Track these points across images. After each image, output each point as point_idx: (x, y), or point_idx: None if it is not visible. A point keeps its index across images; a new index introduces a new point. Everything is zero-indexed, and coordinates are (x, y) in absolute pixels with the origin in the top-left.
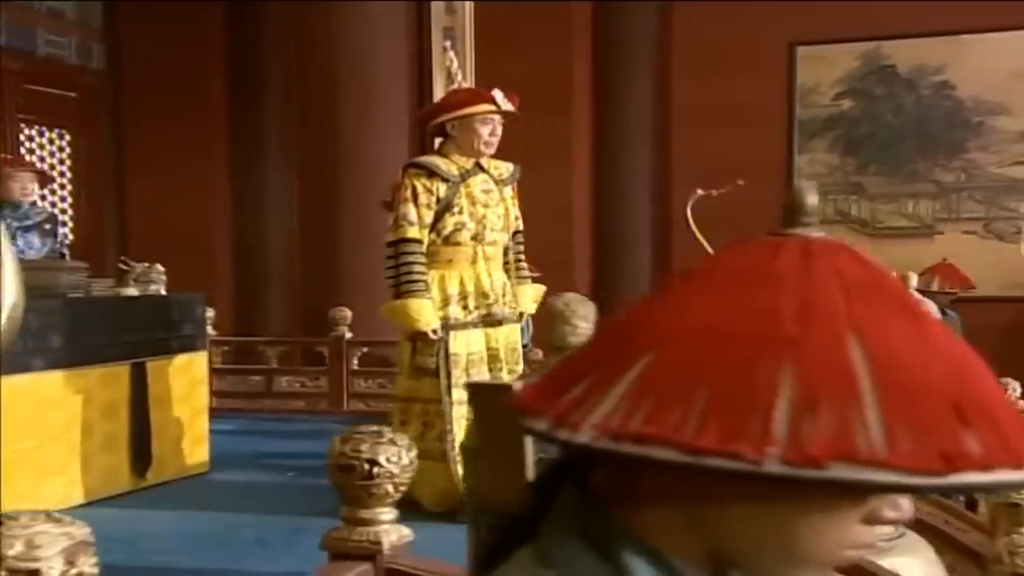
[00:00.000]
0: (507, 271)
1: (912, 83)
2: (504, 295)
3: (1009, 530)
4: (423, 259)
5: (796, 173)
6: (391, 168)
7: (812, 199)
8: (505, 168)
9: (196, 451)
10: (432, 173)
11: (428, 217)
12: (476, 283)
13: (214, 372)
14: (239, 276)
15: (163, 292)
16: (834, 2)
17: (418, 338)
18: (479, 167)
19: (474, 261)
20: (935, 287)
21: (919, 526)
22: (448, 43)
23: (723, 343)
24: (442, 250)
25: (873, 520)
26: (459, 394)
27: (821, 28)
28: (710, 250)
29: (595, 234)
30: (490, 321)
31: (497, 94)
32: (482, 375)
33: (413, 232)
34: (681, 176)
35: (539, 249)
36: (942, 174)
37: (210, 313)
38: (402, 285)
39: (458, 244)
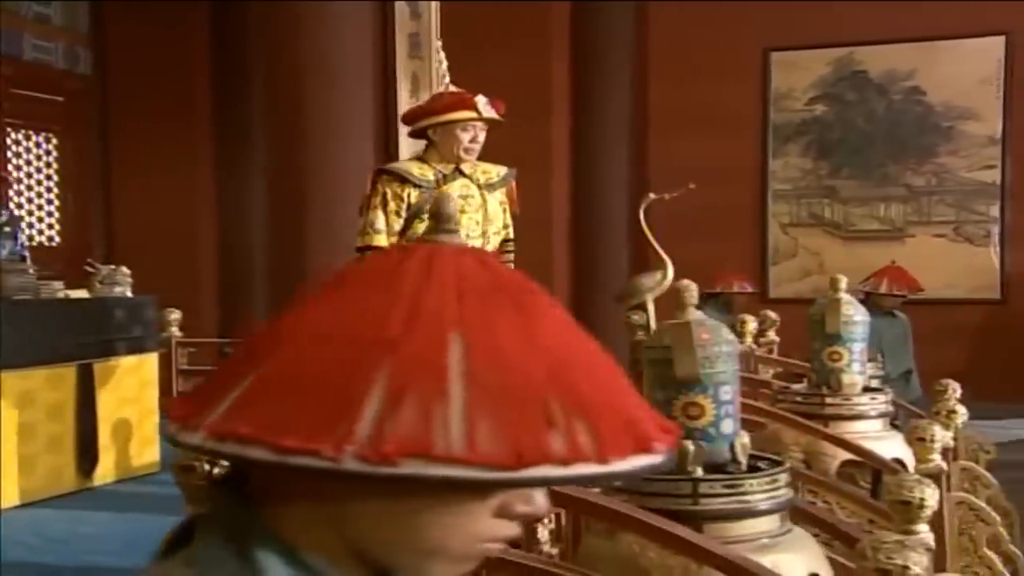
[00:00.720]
0: None
1: (883, 88)
2: None
3: (903, 528)
4: None
5: (770, 177)
6: (356, 172)
7: (451, 207)
8: (495, 172)
9: (146, 452)
10: (404, 179)
11: (397, 224)
12: None
13: (180, 373)
14: (223, 277)
15: (129, 294)
16: (807, 9)
17: None
18: (459, 171)
19: None
20: (883, 290)
21: (818, 523)
22: (439, 43)
23: (329, 346)
24: None
25: (506, 514)
26: None
27: (795, 34)
28: (663, 255)
29: (573, 237)
30: None
31: (480, 100)
32: None
33: (380, 240)
34: (658, 180)
35: (518, 252)
36: (913, 178)
37: (176, 315)
38: None
39: None
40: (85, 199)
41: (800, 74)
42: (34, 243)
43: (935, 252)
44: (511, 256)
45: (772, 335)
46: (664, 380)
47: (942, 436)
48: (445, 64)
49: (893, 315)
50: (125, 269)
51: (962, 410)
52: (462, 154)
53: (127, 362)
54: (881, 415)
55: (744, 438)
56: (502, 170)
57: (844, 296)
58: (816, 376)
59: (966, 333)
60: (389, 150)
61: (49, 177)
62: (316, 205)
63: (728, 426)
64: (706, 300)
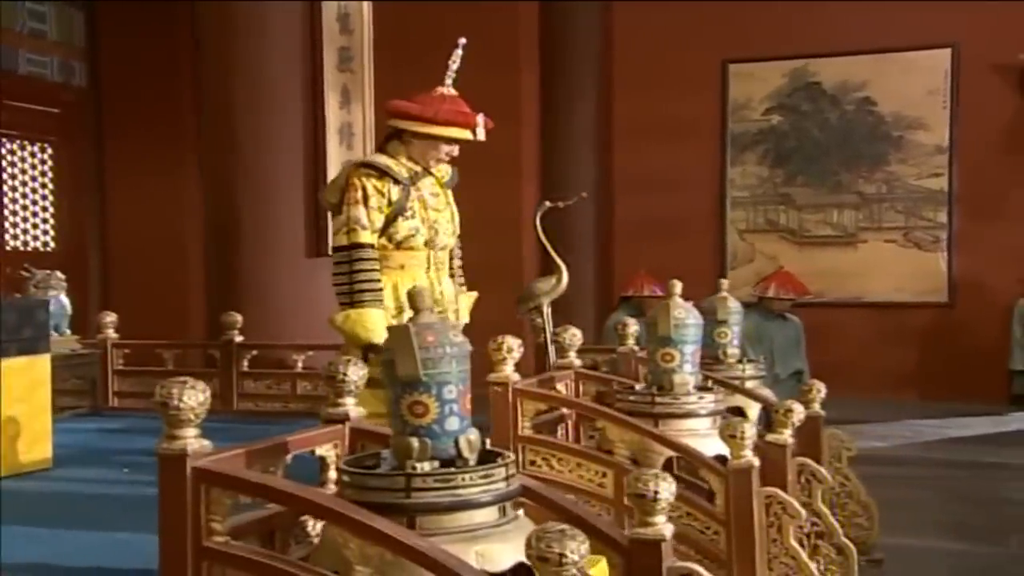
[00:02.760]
0: (451, 278)
1: (836, 99)
2: (453, 304)
3: (642, 520)
4: (377, 265)
5: (728, 184)
6: (286, 180)
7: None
8: (445, 171)
9: (36, 449)
10: (383, 174)
11: (379, 221)
12: (430, 290)
13: (116, 373)
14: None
15: (63, 299)
16: (764, 22)
17: (371, 350)
18: (426, 171)
19: (427, 268)
20: (771, 294)
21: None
22: (462, 40)
23: None
24: (394, 255)
25: None
26: None
27: (752, 47)
28: (559, 260)
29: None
30: None
31: (479, 120)
32: None
33: (366, 236)
34: (623, 187)
35: (487, 257)
36: (865, 185)
37: (111, 318)
38: (356, 294)
39: (411, 249)
40: (79, 206)
41: (757, 85)
42: (29, 248)
43: (886, 257)
44: (460, 253)
45: None
46: (391, 379)
47: (752, 433)
48: (455, 65)
49: (784, 318)
50: (60, 274)
51: (819, 410)
52: (432, 163)
53: (16, 363)
54: (711, 413)
55: (471, 435)
56: (448, 168)
57: (677, 299)
58: (651, 376)
59: (915, 336)
60: (318, 161)
61: (44, 185)
62: (247, 213)
63: (454, 423)
64: (620, 303)
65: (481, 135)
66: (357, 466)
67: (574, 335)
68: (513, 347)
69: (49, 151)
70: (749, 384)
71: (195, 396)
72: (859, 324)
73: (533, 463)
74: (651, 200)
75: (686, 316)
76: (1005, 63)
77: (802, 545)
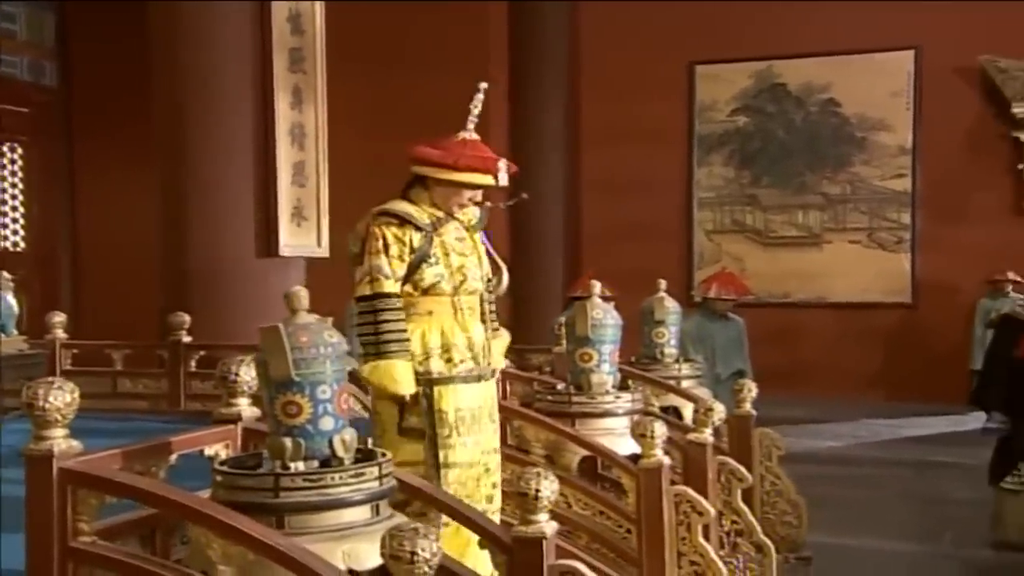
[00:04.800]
0: (483, 323)
1: (801, 101)
2: (484, 350)
3: (523, 519)
4: (402, 315)
5: (695, 186)
6: (237, 177)
7: None
8: (473, 213)
9: None
10: (404, 222)
11: (401, 270)
12: (459, 336)
13: (64, 373)
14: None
15: (9, 299)
16: (729, 24)
17: (399, 402)
18: (450, 215)
19: (455, 313)
20: (712, 294)
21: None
22: (483, 85)
23: None
24: (421, 302)
25: None
26: (452, 455)
27: (718, 48)
28: (499, 261)
29: (512, 246)
30: (476, 376)
31: (502, 165)
32: (479, 435)
33: (389, 286)
34: (591, 189)
35: None
36: (829, 186)
37: (60, 317)
38: (382, 344)
39: (438, 295)
40: (50, 206)
41: (723, 87)
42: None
43: (850, 257)
44: (493, 296)
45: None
46: (265, 380)
47: (662, 432)
48: (477, 110)
49: (727, 318)
50: (7, 274)
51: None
52: (454, 209)
53: None
54: (628, 412)
55: (346, 434)
56: (476, 210)
57: (595, 300)
58: (570, 376)
59: (878, 336)
60: (268, 162)
61: (15, 185)
62: (197, 213)
63: (328, 423)
64: (567, 304)
65: (504, 180)
66: (238, 466)
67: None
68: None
69: (19, 151)
70: (686, 384)
71: (62, 397)
72: (823, 324)
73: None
74: (619, 202)
75: (604, 316)
76: (967, 65)
77: (722, 543)
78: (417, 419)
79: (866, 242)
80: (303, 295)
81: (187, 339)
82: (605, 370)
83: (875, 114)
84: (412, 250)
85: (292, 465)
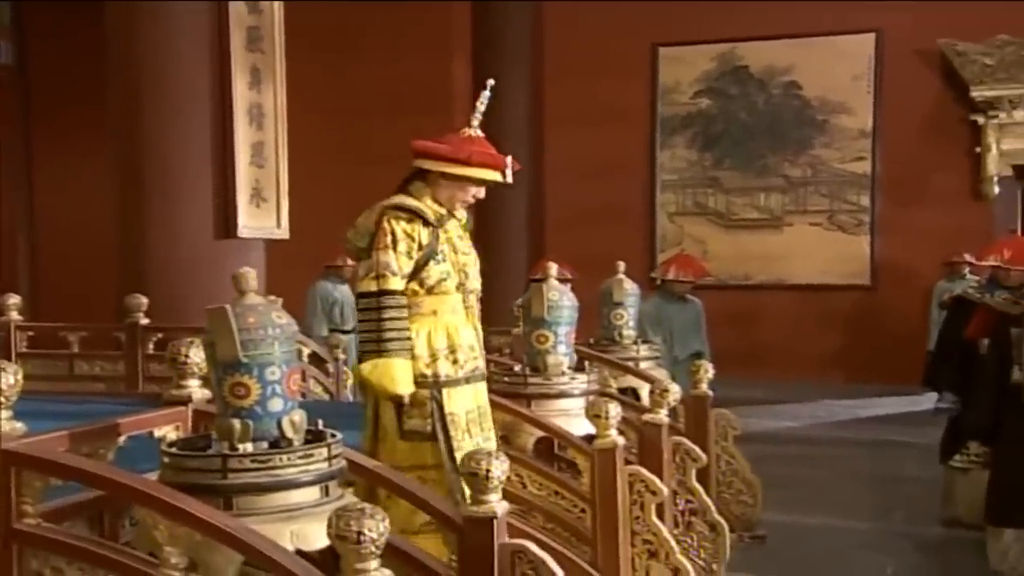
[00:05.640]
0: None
1: (763, 83)
2: (481, 349)
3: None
4: (405, 313)
5: (658, 168)
6: (194, 158)
7: None
8: (462, 214)
9: None
10: (414, 216)
11: (408, 266)
12: (463, 335)
13: (20, 356)
14: None
15: None
16: (692, 6)
17: (398, 402)
18: (451, 213)
19: (458, 312)
20: (671, 276)
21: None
22: (491, 82)
23: None
24: (426, 301)
25: None
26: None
27: (681, 30)
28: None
29: (475, 228)
30: (478, 376)
31: (508, 164)
32: (476, 436)
33: (396, 283)
34: (554, 173)
35: None
36: (790, 169)
37: (15, 300)
38: (384, 343)
39: (443, 294)
40: (7, 187)
41: (685, 69)
42: None
43: (811, 240)
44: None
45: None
46: (213, 361)
47: (616, 413)
48: (483, 107)
49: (685, 300)
50: None
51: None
52: (458, 205)
53: None
54: (583, 394)
55: (296, 416)
56: (464, 212)
57: (552, 282)
58: (526, 357)
59: (838, 318)
60: (226, 143)
61: None
62: (154, 195)
63: (277, 404)
64: (529, 285)
65: (510, 178)
66: (188, 448)
67: None
68: None
69: None
70: (644, 365)
71: (5, 378)
72: (784, 306)
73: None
74: (583, 184)
75: (560, 298)
76: (927, 49)
77: (676, 522)
78: (419, 421)
79: (826, 224)
80: (251, 276)
81: (145, 321)
82: (561, 351)
83: (836, 97)
84: (420, 246)
85: (240, 447)
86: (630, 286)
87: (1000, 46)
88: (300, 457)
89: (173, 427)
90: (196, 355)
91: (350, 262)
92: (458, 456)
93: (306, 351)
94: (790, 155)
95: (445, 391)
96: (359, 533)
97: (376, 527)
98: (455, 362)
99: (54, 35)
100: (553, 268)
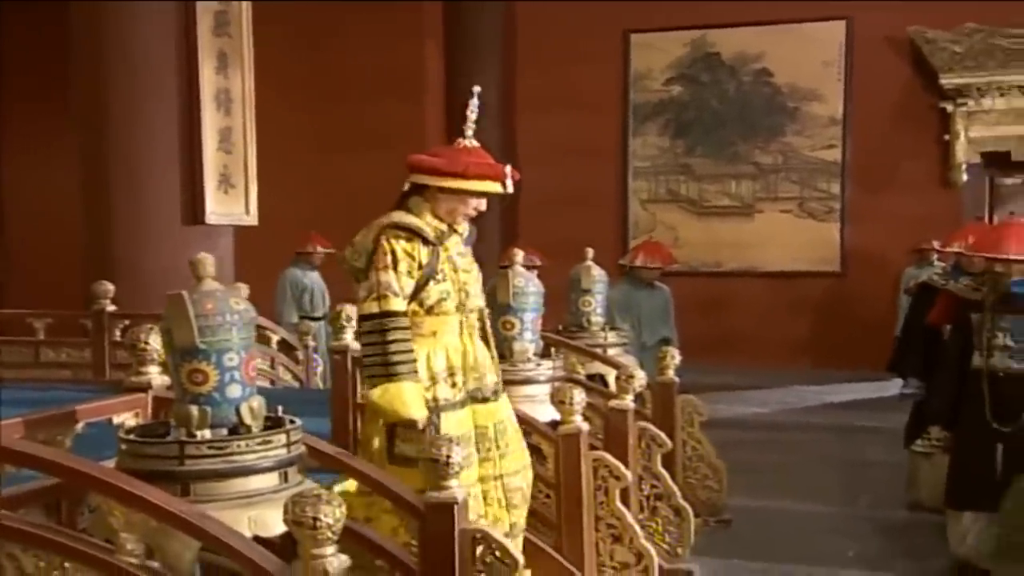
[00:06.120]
0: (484, 340)
1: (734, 70)
2: (488, 368)
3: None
4: (410, 334)
5: (630, 155)
6: (161, 144)
7: None
8: (465, 227)
9: None
10: (413, 235)
11: (409, 287)
12: (463, 357)
13: None
14: None
15: None
16: None
17: (401, 424)
18: (452, 228)
19: (459, 332)
20: (639, 263)
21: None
22: (477, 88)
23: None
24: (425, 321)
25: None
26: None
27: (653, 17)
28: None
29: None
30: (478, 397)
31: (507, 173)
32: (472, 457)
33: (398, 304)
34: (527, 159)
35: None
36: (761, 156)
37: None
38: (391, 366)
39: (443, 314)
40: None
41: (657, 56)
42: None
43: (782, 227)
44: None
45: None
46: (170, 347)
47: (580, 399)
48: (474, 116)
49: (653, 286)
50: None
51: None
52: (459, 219)
53: None
54: (549, 380)
55: (254, 402)
56: (467, 225)
57: (517, 268)
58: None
59: (809, 304)
60: (193, 128)
61: None
62: (120, 181)
63: (235, 391)
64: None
65: (510, 187)
66: (146, 435)
67: None
68: (352, 315)
69: None
70: (612, 351)
71: None
72: (755, 293)
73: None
74: (555, 172)
75: (526, 284)
76: (897, 36)
77: (642, 507)
78: (411, 446)
79: (797, 212)
80: (208, 262)
81: (111, 308)
82: (527, 338)
83: (807, 84)
84: (420, 265)
85: (199, 433)
86: (598, 273)
87: (969, 34)
88: (258, 443)
89: (133, 414)
90: (155, 341)
91: (320, 248)
92: None
93: (275, 338)
94: (761, 142)
95: (443, 415)
96: (315, 519)
97: (332, 513)
98: (454, 385)
99: (20, 20)
100: (519, 255)
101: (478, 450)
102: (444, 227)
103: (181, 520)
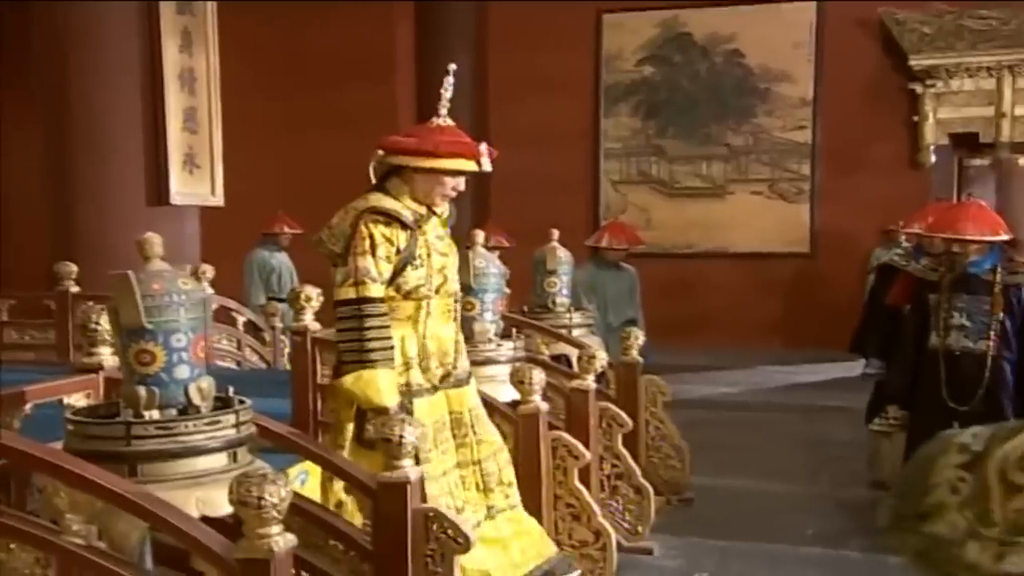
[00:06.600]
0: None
1: (706, 51)
2: (460, 352)
3: (388, 464)
4: (388, 320)
5: (602, 136)
6: (124, 123)
7: None
8: (445, 208)
9: None
10: (391, 219)
11: (388, 272)
12: (436, 342)
13: None
14: None
15: None
16: None
17: (372, 411)
18: (431, 211)
19: (433, 317)
20: (604, 244)
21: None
22: (452, 66)
23: None
24: (402, 306)
25: None
26: (430, 468)
27: None
28: None
29: None
30: (451, 382)
31: (483, 151)
32: (447, 443)
33: (376, 290)
34: (499, 140)
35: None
36: (733, 137)
37: None
38: (366, 352)
39: (420, 299)
40: None
41: (629, 36)
42: None
43: (752, 208)
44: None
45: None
46: (117, 328)
47: (539, 379)
48: (448, 94)
49: (619, 268)
50: None
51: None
52: (437, 200)
53: None
54: (510, 360)
55: (203, 382)
56: (448, 206)
57: (478, 249)
58: None
59: (779, 285)
60: (156, 107)
61: None
62: (83, 161)
63: (183, 372)
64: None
65: (487, 165)
66: (95, 416)
67: None
68: (312, 296)
69: None
70: (577, 332)
71: None
72: (726, 274)
73: (333, 410)
74: (527, 152)
75: (486, 266)
76: (867, 17)
77: (602, 486)
78: (387, 431)
79: (767, 193)
80: (156, 241)
81: (75, 289)
82: (488, 319)
83: (778, 65)
84: (399, 250)
85: (146, 414)
86: (563, 254)
87: (938, 15)
88: (206, 424)
89: (84, 395)
90: (107, 322)
91: (287, 229)
92: (423, 467)
93: (242, 319)
94: (732, 123)
95: (416, 401)
96: (260, 498)
97: (277, 492)
98: (426, 370)
99: None
100: (480, 236)
101: (454, 436)
102: (423, 210)
103: (126, 500)
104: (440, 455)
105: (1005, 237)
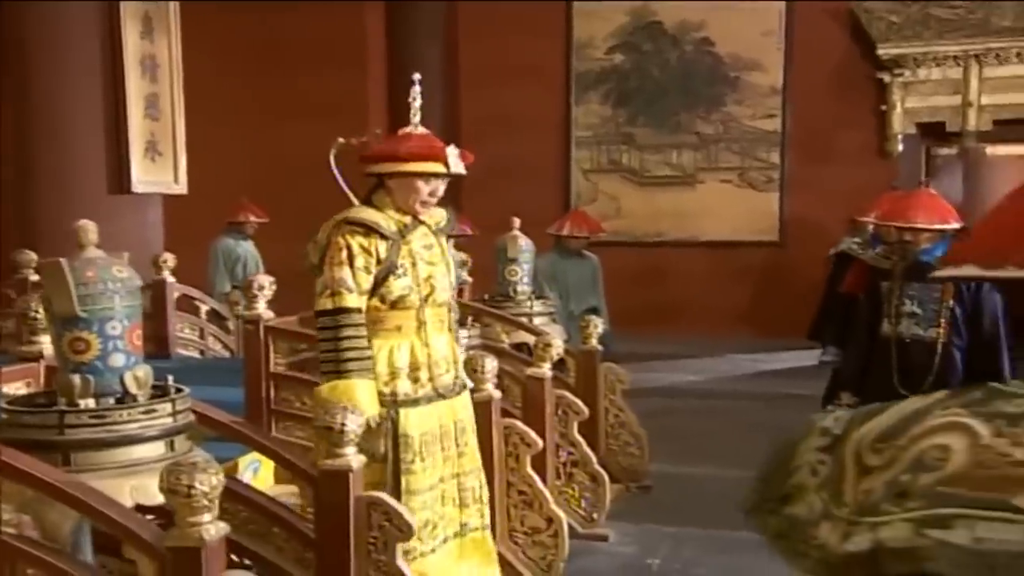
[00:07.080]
0: (449, 331)
1: (676, 39)
2: (453, 363)
3: (330, 452)
4: (364, 331)
5: (573, 124)
6: (84, 111)
7: None
8: (440, 215)
9: None
10: (370, 230)
11: (367, 282)
12: (427, 352)
13: None
14: None
15: None
16: None
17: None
18: (417, 220)
19: (423, 327)
20: (566, 232)
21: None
22: (417, 76)
23: None
24: (388, 316)
25: None
26: (415, 482)
27: None
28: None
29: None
30: (442, 394)
31: (451, 153)
32: (435, 456)
33: (352, 300)
34: (469, 129)
35: (335, 206)
36: (703, 126)
37: None
38: (343, 363)
39: (407, 308)
40: None
41: (600, 24)
42: None
43: (722, 197)
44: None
45: (465, 275)
46: (51, 317)
47: (492, 367)
48: (418, 102)
49: (582, 256)
50: None
51: (596, 345)
52: (418, 207)
53: None
54: (466, 349)
55: (139, 371)
56: (442, 212)
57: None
58: None
59: (748, 274)
60: (118, 94)
61: None
62: (43, 148)
63: (118, 360)
64: None
65: (457, 167)
66: (31, 405)
67: None
68: (264, 284)
69: None
70: (538, 320)
71: None
72: (695, 263)
73: (286, 400)
74: (498, 140)
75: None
76: (836, 6)
77: (559, 473)
78: (375, 442)
79: (737, 182)
80: (90, 228)
81: (35, 278)
82: None
83: (748, 54)
84: (379, 261)
85: (81, 402)
86: (524, 242)
87: (906, 4)
88: (142, 412)
89: (24, 383)
90: None
91: (252, 218)
92: (404, 480)
93: (204, 308)
94: (702, 112)
95: (402, 411)
96: (190, 487)
97: (208, 481)
98: (416, 380)
99: None
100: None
101: (442, 448)
102: (408, 219)
103: (55, 489)
104: (426, 468)
105: (956, 225)
